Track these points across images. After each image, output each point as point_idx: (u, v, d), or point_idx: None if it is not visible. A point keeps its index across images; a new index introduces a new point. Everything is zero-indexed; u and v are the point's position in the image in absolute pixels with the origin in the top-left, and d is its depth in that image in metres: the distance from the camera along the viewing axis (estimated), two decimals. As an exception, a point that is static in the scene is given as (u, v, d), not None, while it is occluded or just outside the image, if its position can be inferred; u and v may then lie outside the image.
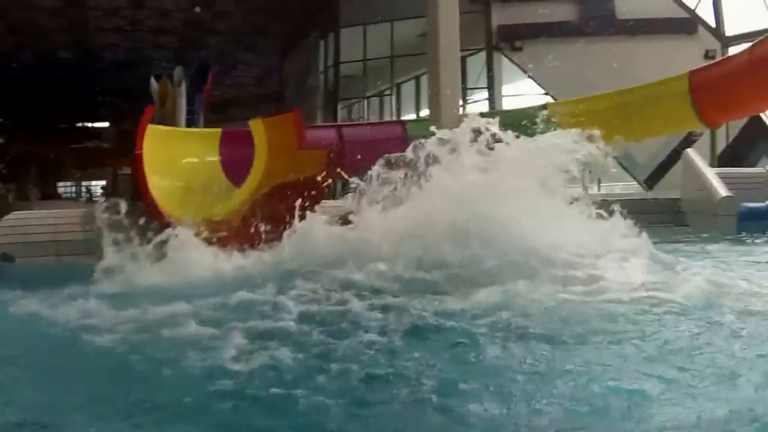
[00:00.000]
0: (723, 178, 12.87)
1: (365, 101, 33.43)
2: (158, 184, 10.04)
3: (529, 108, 22.30)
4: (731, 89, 17.56)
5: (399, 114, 33.04)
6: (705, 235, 11.25)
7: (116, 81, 35.94)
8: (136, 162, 9.83)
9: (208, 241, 9.65)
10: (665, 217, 13.49)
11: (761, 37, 17.84)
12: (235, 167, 11.56)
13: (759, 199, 12.72)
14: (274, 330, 4.91)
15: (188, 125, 15.96)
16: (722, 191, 12.09)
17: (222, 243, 9.55)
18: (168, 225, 9.55)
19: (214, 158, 11.74)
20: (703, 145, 20.51)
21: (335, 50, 30.91)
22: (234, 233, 9.91)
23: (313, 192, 9.98)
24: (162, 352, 4.55)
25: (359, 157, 16.10)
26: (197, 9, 29.93)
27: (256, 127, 11.30)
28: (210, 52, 28.95)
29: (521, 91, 30.15)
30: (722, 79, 17.87)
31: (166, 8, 30.97)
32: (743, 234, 11.23)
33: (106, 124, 44.00)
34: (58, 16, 30.49)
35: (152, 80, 17.04)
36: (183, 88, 16.22)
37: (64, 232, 10.84)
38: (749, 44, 18.59)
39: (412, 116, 32.26)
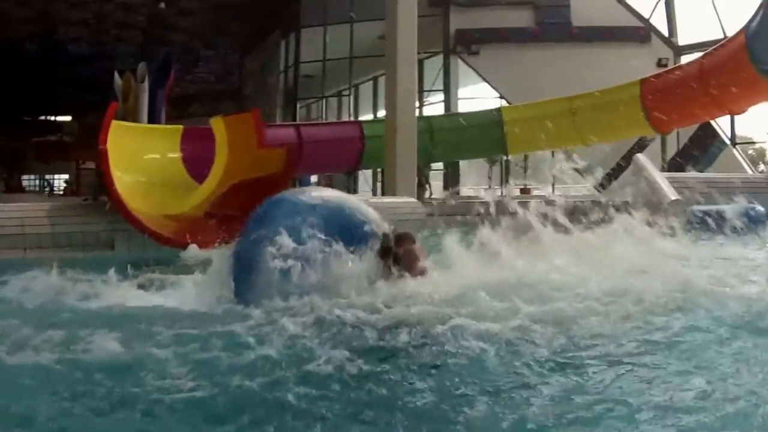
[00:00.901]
0: (672, 182, 13.22)
1: (324, 101, 33.52)
2: (122, 179, 10.16)
3: (484, 111, 22.69)
4: (681, 97, 17.99)
5: (356, 114, 33.23)
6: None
7: (79, 74, 35.68)
8: (101, 157, 9.94)
9: (170, 237, 9.90)
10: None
11: (713, 47, 18.32)
12: (196, 164, 11.69)
13: (705, 202, 13.12)
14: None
15: (150, 121, 16.01)
16: (671, 195, 12.43)
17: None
18: (136, 221, 9.77)
19: (176, 155, 11.87)
20: (655, 150, 20.92)
21: (296, 50, 31.01)
22: (195, 228, 10.12)
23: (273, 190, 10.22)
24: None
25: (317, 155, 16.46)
26: (162, 5, 29.92)
27: (217, 125, 11.46)
28: (172, 48, 28.90)
29: (477, 95, 30.54)
30: (673, 87, 18.31)
31: (131, 3, 30.88)
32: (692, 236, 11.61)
33: (68, 118, 43.57)
34: (23, 6, 30.23)
35: (116, 75, 17.08)
36: (146, 84, 16.28)
37: (30, 225, 10.86)
38: (701, 54, 19.08)
39: (369, 117, 32.47)
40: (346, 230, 5.99)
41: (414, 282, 5.79)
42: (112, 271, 6.73)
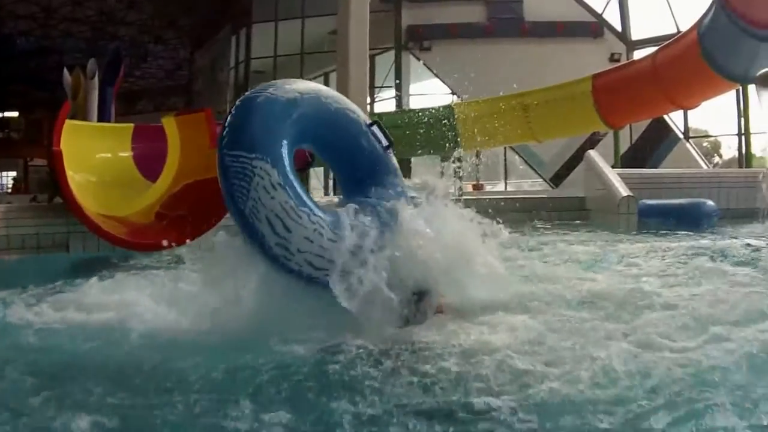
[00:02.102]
0: (623, 178, 13.21)
1: (274, 97, 33.37)
2: (74, 178, 9.97)
3: (437, 108, 22.62)
4: (634, 92, 18.01)
5: (308, 110, 33.11)
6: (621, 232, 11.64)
7: (27, 69, 35.37)
8: (55, 158, 9.76)
9: (125, 237, 9.70)
10: (571, 214, 13.85)
11: (665, 43, 18.33)
12: (148, 162, 11.49)
13: (656, 197, 13.15)
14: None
15: (100, 119, 15.81)
16: (623, 191, 12.40)
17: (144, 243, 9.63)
18: (90, 222, 9.56)
19: (127, 153, 11.67)
20: (608, 145, 20.94)
21: (246, 46, 30.90)
22: (148, 229, 9.97)
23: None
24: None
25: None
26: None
27: (169, 124, 11.26)
28: (121, 43, 28.67)
29: (428, 91, 30.51)
30: (625, 82, 18.32)
31: (80, -3, 30.75)
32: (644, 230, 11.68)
33: (15, 114, 43.19)
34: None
35: (65, 72, 16.86)
36: (96, 81, 16.08)
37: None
38: (654, 48, 19.09)
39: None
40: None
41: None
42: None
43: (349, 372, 4.08)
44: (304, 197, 5.22)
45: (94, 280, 6.71)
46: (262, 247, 5.11)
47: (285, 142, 5.36)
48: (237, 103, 5.56)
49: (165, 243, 8.89)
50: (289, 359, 4.32)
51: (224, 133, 5.35)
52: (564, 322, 5.00)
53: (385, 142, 6.02)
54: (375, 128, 6.00)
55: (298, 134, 5.52)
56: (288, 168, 5.25)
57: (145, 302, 5.67)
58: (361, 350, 4.45)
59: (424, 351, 4.48)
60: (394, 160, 6.17)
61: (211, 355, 4.35)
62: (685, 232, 10.86)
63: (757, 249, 8.60)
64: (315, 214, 5.15)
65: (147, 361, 4.29)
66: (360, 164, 5.96)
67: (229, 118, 5.43)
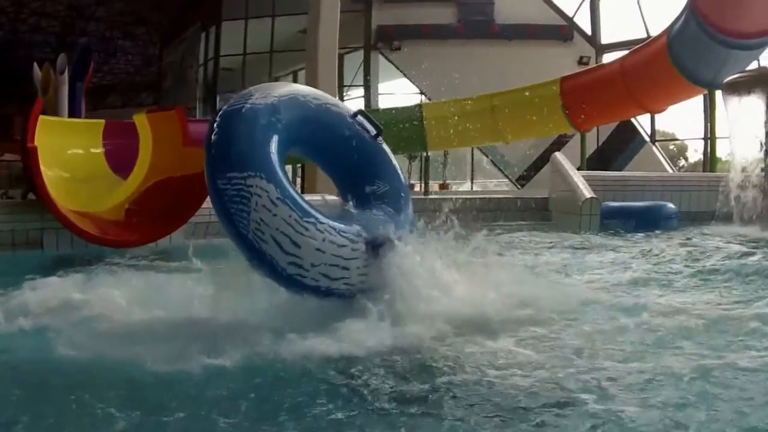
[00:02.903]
0: (588, 180, 13.36)
1: (243, 95, 33.28)
2: (46, 174, 9.97)
3: (405, 108, 22.69)
4: (601, 96, 18.17)
5: (275, 109, 33.04)
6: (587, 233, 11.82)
7: (-4, 63, 35.09)
8: (30, 155, 9.74)
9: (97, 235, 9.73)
10: (536, 215, 14.00)
11: (635, 47, 18.51)
12: (119, 159, 11.48)
13: (620, 199, 13.33)
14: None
15: (70, 114, 15.79)
16: (587, 193, 12.54)
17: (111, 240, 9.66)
18: (65, 219, 9.57)
19: (98, 150, 11.66)
20: (575, 146, 21.08)
21: (216, 43, 30.85)
22: (120, 226, 10.00)
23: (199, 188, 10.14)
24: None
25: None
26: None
27: (141, 121, 11.26)
28: (91, 38, 28.52)
29: (397, 90, 30.61)
30: (593, 85, 18.47)
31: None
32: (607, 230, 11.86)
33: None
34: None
35: (35, 67, 16.82)
36: (65, 76, 16.05)
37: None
38: (623, 53, 19.27)
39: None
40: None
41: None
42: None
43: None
44: (306, 207, 5.04)
45: (65, 277, 6.71)
46: (273, 270, 4.91)
47: (275, 152, 5.14)
48: (217, 118, 5.27)
49: (129, 241, 8.97)
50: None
51: (210, 153, 5.12)
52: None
53: (373, 131, 5.87)
54: (360, 117, 5.86)
55: (285, 141, 5.32)
56: (284, 180, 5.06)
57: (116, 300, 5.60)
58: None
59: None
60: (386, 148, 6.02)
61: (183, 352, 4.23)
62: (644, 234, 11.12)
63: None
64: (321, 222, 4.99)
65: (113, 360, 4.24)
66: (352, 158, 5.78)
67: (212, 136, 5.17)
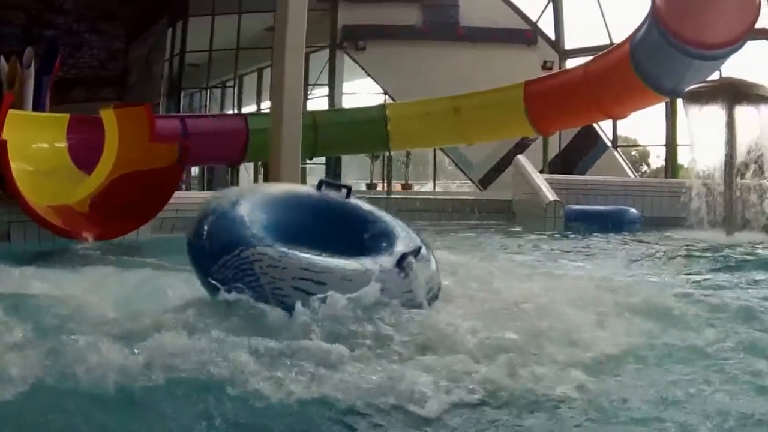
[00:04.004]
0: (551, 183, 13.51)
1: (208, 91, 33.25)
2: (12, 168, 9.96)
3: (369, 107, 22.79)
4: (565, 101, 18.34)
5: (240, 106, 33.01)
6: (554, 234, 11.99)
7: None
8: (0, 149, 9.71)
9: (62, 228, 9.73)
10: (500, 216, 14.14)
11: (598, 54, 18.71)
12: (83, 154, 11.47)
13: (583, 203, 13.49)
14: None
15: (35, 108, 15.72)
16: (550, 195, 12.67)
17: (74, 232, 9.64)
18: (33, 212, 9.56)
19: (62, 144, 11.64)
20: (537, 150, 21.24)
21: (182, 39, 30.76)
22: (86, 219, 10.00)
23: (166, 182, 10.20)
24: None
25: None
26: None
27: (108, 116, 11.25)
28: (57, 31, 28.37)
29: (361, 90, 30.68)
30: (557, 90, 18.63)
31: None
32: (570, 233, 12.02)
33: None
34: None
35: (2, 60, 16.72)
36: (32, 70, 15.99)
37: None
38: (586, 58, 19.47)
39: (253, 108, 32.38)
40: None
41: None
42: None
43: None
44: (310, 253, 4.80)
45: (30, 270, 6.71)
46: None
47: (256, 224, 4.93)
48: (191, 228, 5.07)
49: (95, 235, 8.98)
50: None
51: (195, 254, 4.97)
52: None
53: (344, 190, 5.71)
54: (324, 187, 5.67)
55: (263, 223, 5.02)
56: (277, 237, 4.87)
57: (79, 293, 5.54)
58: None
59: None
60: (371, 208, 5.75)
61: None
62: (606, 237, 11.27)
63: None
64: (335, 257, 4.83)
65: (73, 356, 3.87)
66: (336, 222, 5.53)
67: (192, 241, 4.99)
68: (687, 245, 10.51)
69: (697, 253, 9.68)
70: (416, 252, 5.03)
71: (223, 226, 4.90)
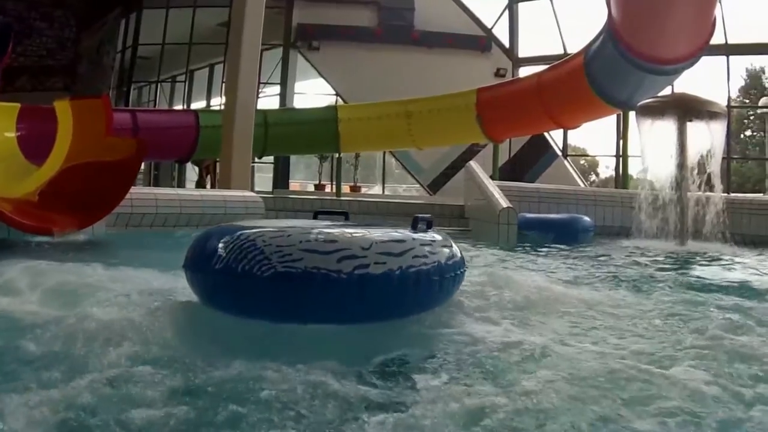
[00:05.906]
0: (503, 190, 13.54)
1: (158, 85, 33.04)
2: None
3: (320, 108, 22.84)
4: (517, 109, 18.47)
5: (190, 101, 32.84)
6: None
7: None
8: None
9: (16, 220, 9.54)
10: (453, 221, 14.17)
11: (553, 64, 18.85)
12: (33, 145, 11.27)
13: (534, 210, 13.57)
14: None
15: (-15, 97, 15.45)
16: (503, 202, 12.70)
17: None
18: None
19: (11, 134, 11.43)
20: (487, 156, 21.34)
21: (135, 30, 30.51)
22: (40, 211, 9.81)
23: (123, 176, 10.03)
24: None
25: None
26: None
27: (63, 108, 11.04)
28: (5, 17, 28.04)
29: (313, 90, 30.70)
30: (509, 98, 18.76)
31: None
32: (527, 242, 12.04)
33: None
34: None
35: (-49, 45, 16.42)
36: (-19, 56, 15.77)
37: None
38: (539, 67, 19.61)
39: (203, 104, 32.27)
40: None
41: None
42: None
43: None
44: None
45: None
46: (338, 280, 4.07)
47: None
48: (185, 267, 4.45)
49: (57, 229, 8.83)
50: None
51: (194, 276, 4.43)
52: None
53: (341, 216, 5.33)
54: (320, 216, 5.27)
55: None
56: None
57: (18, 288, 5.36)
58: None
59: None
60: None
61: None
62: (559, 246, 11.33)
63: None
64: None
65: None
66: None
67: (190, 274, 4.45)
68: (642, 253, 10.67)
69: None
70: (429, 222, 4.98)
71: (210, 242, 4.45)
